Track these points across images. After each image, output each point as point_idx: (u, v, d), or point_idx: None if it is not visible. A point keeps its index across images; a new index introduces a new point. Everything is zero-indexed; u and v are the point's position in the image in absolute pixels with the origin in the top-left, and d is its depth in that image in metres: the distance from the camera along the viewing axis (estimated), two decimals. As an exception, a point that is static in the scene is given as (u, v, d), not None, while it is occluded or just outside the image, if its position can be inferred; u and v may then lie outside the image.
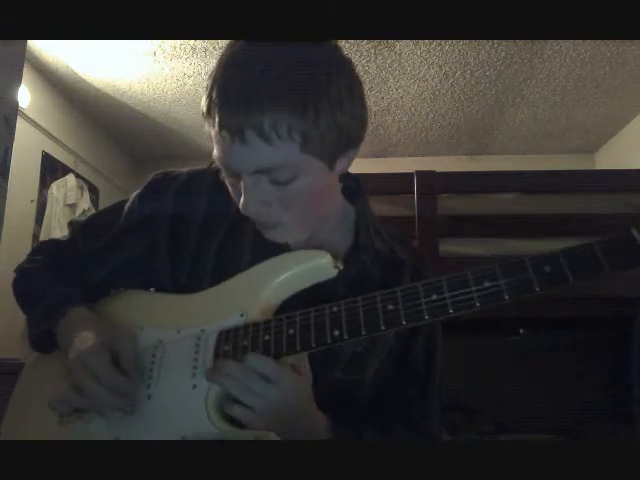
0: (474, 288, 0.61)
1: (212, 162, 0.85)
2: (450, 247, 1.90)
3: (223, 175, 0.74)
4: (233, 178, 0.71)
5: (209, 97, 0.67)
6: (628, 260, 0.56)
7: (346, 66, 0.70)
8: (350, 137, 0.70)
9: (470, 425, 1.98)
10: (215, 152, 0.70)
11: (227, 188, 0.77)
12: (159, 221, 0.83)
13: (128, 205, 0.86)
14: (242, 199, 0.70)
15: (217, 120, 0.65)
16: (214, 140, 0.69)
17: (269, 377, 0.64)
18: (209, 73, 0.70)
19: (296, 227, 0.75)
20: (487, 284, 0.60)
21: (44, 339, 0.80)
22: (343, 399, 0.76)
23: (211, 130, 0.68)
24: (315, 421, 0.69)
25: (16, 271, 0.88)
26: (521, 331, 2.21)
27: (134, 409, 0.68)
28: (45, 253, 0.88)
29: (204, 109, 0.68)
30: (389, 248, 0.85)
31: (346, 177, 0.83)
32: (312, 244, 0.77)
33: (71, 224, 0.91)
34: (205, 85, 0.69)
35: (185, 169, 0.87)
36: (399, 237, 0.90)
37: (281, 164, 0.66)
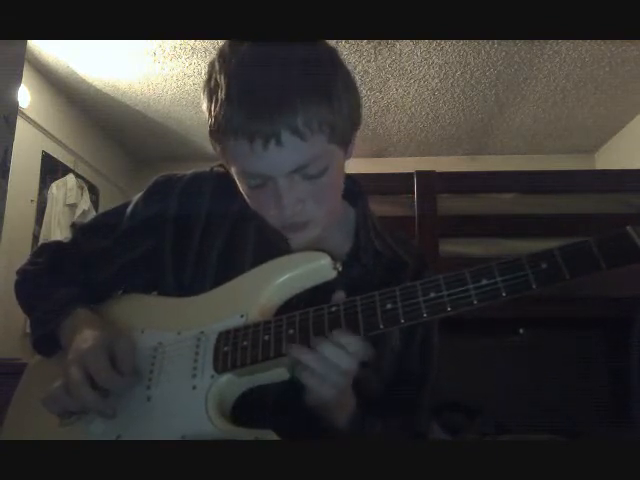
0: (472, 286, 0.61)
1: (218, 164, 0.85)
2: (450, 247, 1.90)
3: (243, 187, 0.74)
4: (259, 187, 0.71)
5: (226, 114, 0.66)
6: (624, 257, 0.57)
7: (336, 53, 0.73)
8: (356, 119, 0.74)
9: (470, 425, 1.98)
10: (238, 165, 0.70)
11: (230, 190, 0.77)
12: (162, 223, 0.83)
13: (131, 207, 0.86)
14: (279, 202, 0.70)
15: (246, 132, 0.65)
16: (233, 153, 0.69)
17: (358, 354, 0.63)
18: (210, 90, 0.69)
19: (322, 222, 0.76)
20: (484, 282, 0.61)
21: (47, 341, 0.80)
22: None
23: (229, 144, 0.68)
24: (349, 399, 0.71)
25: (18, 273, 0.87)
26: (521, 331, 2.21)
27: (115, 414, 0.68)
28: (47, 255, 0.87)
29: (221, 126, 0.67)
30: (391, 250, 0.85)
31: (346, 179, 0.83)
32: (313, 246, 0.77)
33: (74, 226, 0.91)
34: (213, 102, 0.68)
35: (188, 172, 0.87)
36: (402, 238, 0.90)
37: (315, 157, 0.68)
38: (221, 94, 0.67)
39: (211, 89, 0.69)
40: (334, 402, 0.66)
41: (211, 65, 0.71)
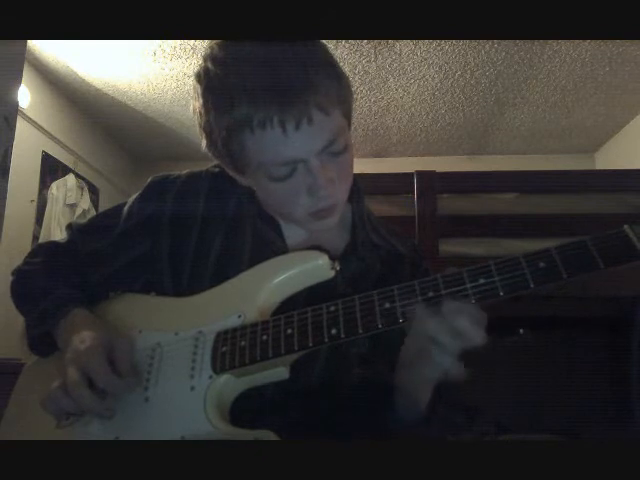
0: (469, 285, 0.62)
1: (214, 165, 0.85)
2: (450, 247, 1.90)
3: (266, 183, 0.73)
4: (286, 178, 0.71)
5: (249, 110, 0.66)
6: (622, 256, 0.57)
7: (325, 45, 0.76)
8: (352, 93, 0.78)
9: (470, 425, 1.98)
10: (265, 158, 0.70)
11: (226, 190, 0.76)
12: (159, 223, 0.82)
13: (127, 208, 0.86)
14: (314, 184, 0.71)
15: (276, 119, 0.66)
16: (259, 147, 0.69)
17: (479, 323, 0.62)
18: (218, 95, 0.69)
19: (342, 207, 0.78)
20: (482, 281, 0.61)
21: (43, 342, 0.79)
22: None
23: (252, 139, 0.68)
24: None
25: (13, 274, 0.87)
26: (521, 331, 2.20)
27: (114, 415, 0.68)
28: (43, 255, 0.87)
29: (246, 122, 0.67)
30: (387, 242, 0.86)
31: None
32: (310, 243, 0.77)
33: (70, 226, 0.91)
34: (226, 105, 0.68)
35: (184, 172, 0.87)
36: (396, 231, 0.91)
37: (338, 131, 0.71)
38: (235, 95, 0.67)
39: (217, 93, 0.69)
40: (433, 380, 0.67)
41: (205, 72, 0.71)
